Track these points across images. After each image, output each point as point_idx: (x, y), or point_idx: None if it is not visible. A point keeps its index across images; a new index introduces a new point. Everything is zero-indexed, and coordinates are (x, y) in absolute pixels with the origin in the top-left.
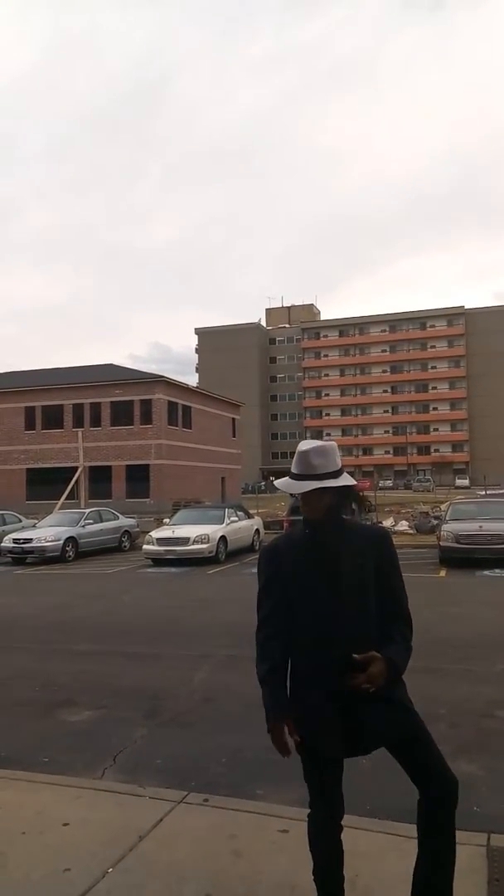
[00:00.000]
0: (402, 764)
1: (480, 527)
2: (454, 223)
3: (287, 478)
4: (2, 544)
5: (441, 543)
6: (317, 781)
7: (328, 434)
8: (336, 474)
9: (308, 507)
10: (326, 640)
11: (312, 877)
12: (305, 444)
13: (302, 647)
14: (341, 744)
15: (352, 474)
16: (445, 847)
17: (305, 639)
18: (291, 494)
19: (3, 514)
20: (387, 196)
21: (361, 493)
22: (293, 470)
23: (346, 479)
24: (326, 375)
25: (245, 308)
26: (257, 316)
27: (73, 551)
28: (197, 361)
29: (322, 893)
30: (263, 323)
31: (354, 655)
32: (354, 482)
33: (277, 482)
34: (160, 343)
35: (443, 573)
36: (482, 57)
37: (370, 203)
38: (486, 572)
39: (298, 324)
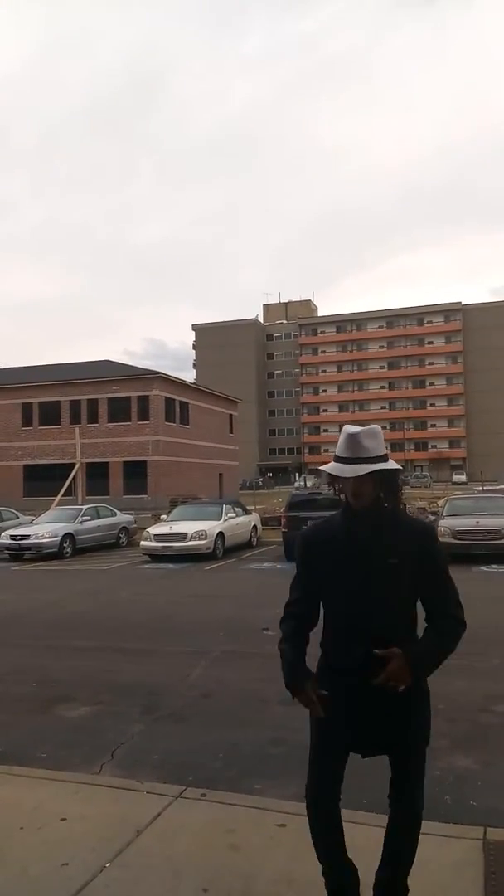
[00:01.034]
0: (392, 778)
1: (477, 522)
2: (450, 219)
3: (333, 462)
4: None
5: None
6: (317, 764)
7: (325, 430)
8: (385, 458)
9: (357, 495)
10: (352, 634)
11: (322, 875)
12: (353, 427)
13: (329, 639)
14: (347, 738)
15: None
16: (404, 846)
17: (333, 631)
18: (319, 485)
19: (0, 511)
20: (383, 192)
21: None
22: (341, 454)
23: (395, 465)
24: (324, 371)
25: (241, 304)
26: (253, 312)
27: (71, 548)
28: (193, 357)
29: (331, 885)
30: (261, 319)
31: (376, 651)
32: (401, 468)
33: (325, 467)
34: (155, 339)
35: None
36: (476, 53)
37: (366, 199)
38: (483, 568)
39: (296, 320)
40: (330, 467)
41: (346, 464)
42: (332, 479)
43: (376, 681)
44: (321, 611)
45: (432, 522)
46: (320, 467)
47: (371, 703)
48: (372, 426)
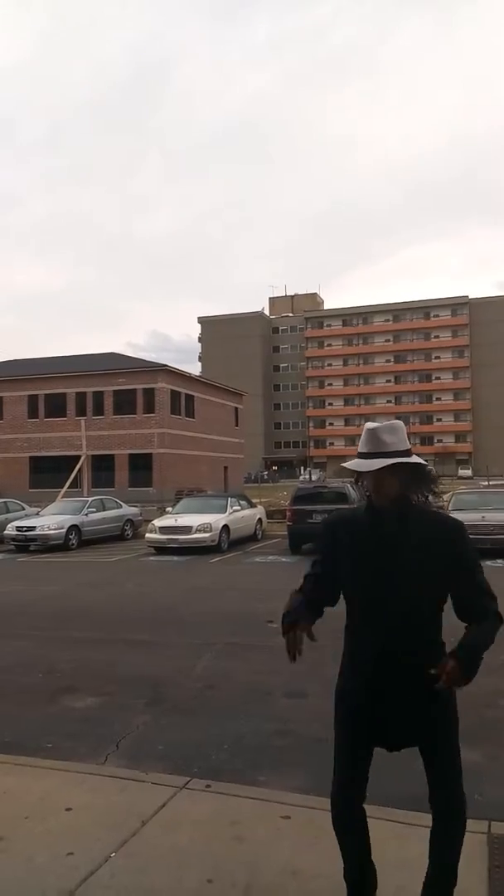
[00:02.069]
0: (427, 775)
1: (483, 517)
2: (456, 212)
3: (356, 458)
4: (5, 532)
5: None
6: (341, 759)
7: (330, 423)
8: (407, 453)
9: (378, 489)
10: (372, 629)
11: (343, 875)
12: (373, 423)
13: (350, 633)
14: (368, 734)
15: None
16: (447, 859)
17: (353, 624)
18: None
19: (6, 502)
20: (388, 185)
21: (435, 478)
22: (361, 449)
23: (417, 459)
24: (329, 365)
25: (247, 297)
26: (259, 305)
27: (76, 539)
28: (197, 350)
29: (351, 887)
30: (267, 312)
31: (431, 671)
32: (426, 463)
33: (346, 463)
34: (158, 332)
35: None
36: (485, 44)
37: (372, 192)
38: (489, 563)
39: (302, 313)
40: (351, 463)
41: (366, 459)
42: (358, 475)
43: (438, 686)
44: (338, 596)
45: None
46: (343, 464)
47: (390, 692)
48: (393, 421)
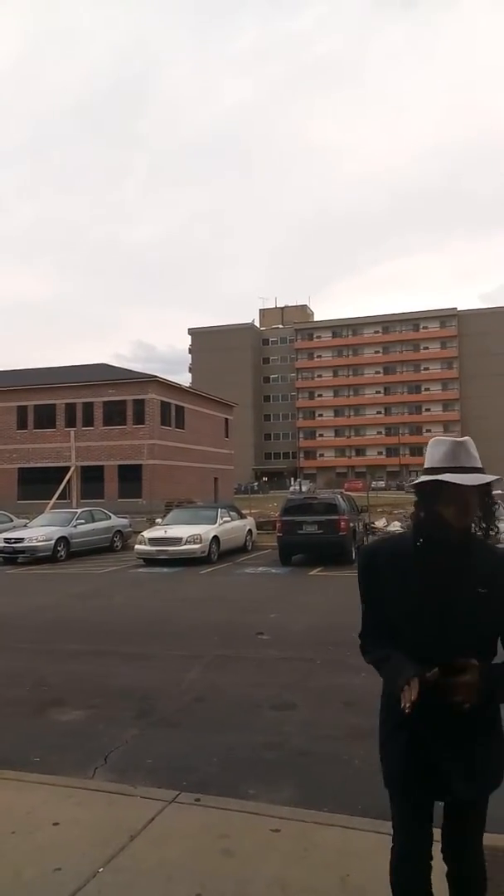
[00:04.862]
0: (444, 827)
1: None
2: (442, 223)
3: (449, 473)
4: None
5: None
6: (396, 814)
7: (321, 434)
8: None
9: (467, 512)
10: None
11: None
12: (450, 437)
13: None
14: (420, 786)
15: (344, 475)
16: None
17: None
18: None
19: None
20: (376, 195)
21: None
22: (449, 464)
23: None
24: (319, 376)
25: (234, 308)
26: (248, 316)
27: (65, 551)
28: (183, 361)
29: None
30: (257, 323)
31: (455, 660)
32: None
33: (449, 476)
34: (144, 342)
35: None
36: (467, 55)
37: (359, 202)
38: None
39: (292, 324)
40: (461, 478)
41: (461, 473)
42: (433, 495)
43: (450, 698)
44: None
45: None
46: (439, 476)
47: (438, 747)
48: (467, 437)
